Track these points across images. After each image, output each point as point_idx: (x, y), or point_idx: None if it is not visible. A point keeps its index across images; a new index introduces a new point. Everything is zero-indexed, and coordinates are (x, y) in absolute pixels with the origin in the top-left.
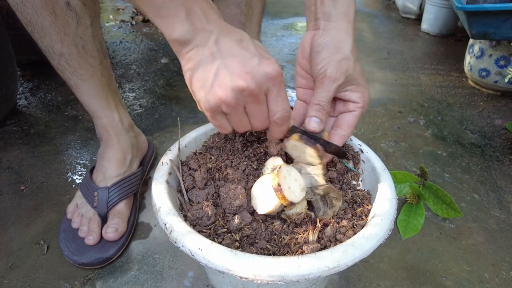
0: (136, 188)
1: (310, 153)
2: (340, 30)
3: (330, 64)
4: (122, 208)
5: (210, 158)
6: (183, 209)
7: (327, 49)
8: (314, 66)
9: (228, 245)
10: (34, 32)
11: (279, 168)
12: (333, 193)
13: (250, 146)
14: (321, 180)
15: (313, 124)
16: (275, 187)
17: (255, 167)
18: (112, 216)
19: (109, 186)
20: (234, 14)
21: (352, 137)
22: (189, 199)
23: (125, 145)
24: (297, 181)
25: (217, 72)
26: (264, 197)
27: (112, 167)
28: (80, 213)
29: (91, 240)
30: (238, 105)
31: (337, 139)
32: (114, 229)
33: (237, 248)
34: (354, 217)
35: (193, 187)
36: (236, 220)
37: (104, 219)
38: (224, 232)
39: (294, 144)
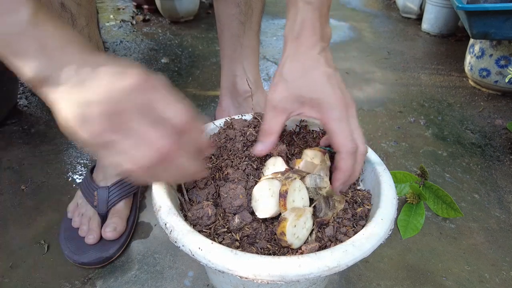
0: (136, 188)
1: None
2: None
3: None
4: (121, 208)
5: (210, 157)
6: (183, 209)
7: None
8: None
9: (228, 245)
10: None
11: (294, 179)
12: (336, 196)
13: (250, 146)
14: (326, 181)
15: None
16: (281, 192)
17: (255, 167)
18: (111, 215)
19: (109, 185)
20: (233, 13)
21: None
22: (189, 199)
23: None
24: (303, 200)
25: (86, 104)
26: (265, 201)
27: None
28: (81, 213)
29: (91, 239)
30: (105, 142)
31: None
32: (112, 228)
33: (237, 248)
34: (354, 217)
35: (194, 187)
36: (236, 220)
37: (104, 219)
38: (224, 231)
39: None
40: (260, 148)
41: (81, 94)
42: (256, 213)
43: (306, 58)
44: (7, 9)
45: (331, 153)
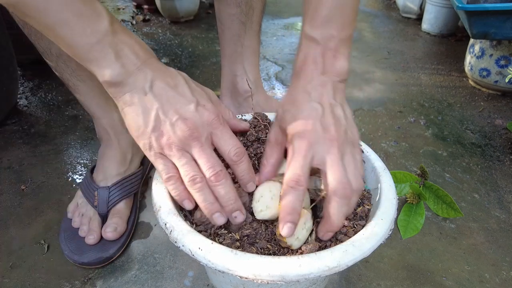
0: (137, 188)
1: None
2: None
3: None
4: (122, 208)
5: None
6: (184, 209)
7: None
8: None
9: (228, 245)
10: (31, 34)
11: (305, 213)
12: None
13: (251, 146)
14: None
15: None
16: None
17: (256, 167)
18: (111, 215)
19: (110, 185)
20: (234, 13)
21: None
22: None
23: (125, 144)
24: (304, 201)
25: (156, 118)
26: (265, 202)
27: (112, 166)
28: (81, 213)
29: (91, 239)
30: (181, 148)
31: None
32: (113, 228)
33: (237, 248)
34: (354, 217)
35: None
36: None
37: (104, 219)
38: (224, 232)
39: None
40: (257, 179)
41: (157, 107)
42: (255, 214)
43: (298, 92)
44: (90, 21)
45: None
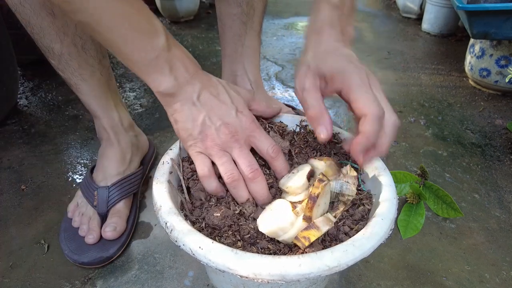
0: (137, 188)
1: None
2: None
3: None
4: (121, 207)
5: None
6: (184, 208)
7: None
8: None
9: (229, 245)
10: (33, 32)
11: (326, 183)
12: (344, 198)
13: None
14: (353, 190)
15: (319, 135)
16: (312, 195)
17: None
18: (111, 215)
19: (109, 185)
20: (235, 13)
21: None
22: (190, 200)
23: (124, 144)
24: (325, 204)
25: (203, 123)
26: (277, 214)
27: (111, 166)
28: (81, 212)
29: (91, 239)
30: (222, 149)
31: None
32: (112, 228)
33: (238, 247)
34: (354, 216)
35: (196, 185)
36: (249, 209)
37: (104, 218)
38: (229, 233)
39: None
40: (324, 136)
41: (204, 113)
42: (259, 225)
43: (327, 45)
44: (149, 38)
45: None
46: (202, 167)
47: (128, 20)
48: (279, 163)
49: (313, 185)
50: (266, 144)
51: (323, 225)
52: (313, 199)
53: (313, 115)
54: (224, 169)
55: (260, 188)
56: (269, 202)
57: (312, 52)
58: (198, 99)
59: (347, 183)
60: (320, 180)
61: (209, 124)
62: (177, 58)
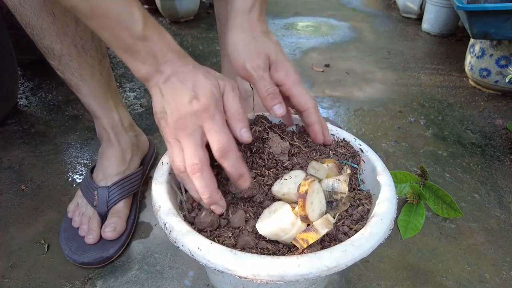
0: (137, 188)
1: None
2: (239, 25)
3: (246, 57)
4: (121, 207)
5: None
6: (183, 208)
7: (235, 45)
8: (234, 66)
9: (228, 245)
10: (33, 33)
11: (312, 180)
12: (343, 198)
13: (252, 145)
14: (344, 187)
15: (277, 110)
16: (301, 193)
17: (258, 164)
18: (111, 215)
19: (110, 185)
20: None
21: (353, 137)
22: (187, 198)
23: (125, 144)
24: (320, 203)
25: (161, 110)
26: (277, 215)
27: (111, 165)
28: (81, 212)
29: (90, 239)
30: (174, 137)
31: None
32: (112, 228)
33: (238, 248)
34: (354, 216)
35: None
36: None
37: (104, 218)
38: (229, 233)
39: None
40: (280, 111)
41: (164, 98)
42: (257, 227)
43: (261, 29)
44: (126, 27)
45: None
46: (169, 157)
47: (106, 8)
48: (227, 164)
49: (300, 184)
50: (213, 138)
51: (322, 227)
52: (302, 197)
53: (272, 91)
54: (172, 160)
55: (199, 185)
56: (216, 203)
57: (249, 32)
58: (163, 84)
59: (338, 181)
60: (306, 178)
61: (165, 110)
62: (152, 47)
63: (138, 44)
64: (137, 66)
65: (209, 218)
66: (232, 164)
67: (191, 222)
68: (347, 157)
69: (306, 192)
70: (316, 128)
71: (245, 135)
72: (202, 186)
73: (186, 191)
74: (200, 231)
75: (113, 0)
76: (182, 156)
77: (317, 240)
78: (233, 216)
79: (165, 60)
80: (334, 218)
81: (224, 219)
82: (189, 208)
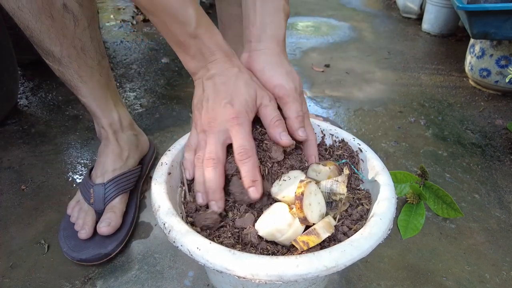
0: (133, 185)
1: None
2: (271, 50)
3: (283, 78)
4: (116, 203)
5: None
6: (183, 209)
7: (270, 64)
8: (264, 83)
9: (228, 245)
10: (32, 36)
11: (309, 182)
12: (342, 198)
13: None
14: (343, 188)
15: (301, 133)
16: (297, 195)
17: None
18: (106, 211)
19: (105, 182)
20: (236, 13)
21: (352, 137)
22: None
23: (123, 142)
24: (319, 204)
25: (198, 103)
26: (274, 215)
27: (108, 162)
28: (79, 208)
29: (83, 233)
30: (202, 131)
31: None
32: (107, 223)
33: (238, 249)
34: (353, 216)
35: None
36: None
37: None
38: (229, 233)
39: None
40: (304, 134)
41: (204, 94)
42: (257, 228)
43: (288, 63)
44: (181, 25)
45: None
46: (189, 139)
47: (164, 5)
48: (244, 168)
49: (297, 186)
50: (237, 143)
51: (324, 231)
52: (299, 199)
53: (302, 114)
54: (189, 144)
55: (208, 176)
56: (215, 201)
57: (266, 58)
58: (207, 81)
59: (336, 182)
60: (302, 180)
61: (202, 104)
62: (202, 45)
63: (189, 41)
64: (187, 60)
65: (214, 216)
66: (249, 169)
67: (192, 214)
68: (345, 158)
69: (302, 194)
70: (311, 160)
71: (284, 138)
72: (210, 179)
73: (189, 190)
74: (201, 229)
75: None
76: (204, 148)
77: None
78: (241, 218)
79: (213, 59)
80: (336, 219)
81: (225, 219)
82: (191, 201)
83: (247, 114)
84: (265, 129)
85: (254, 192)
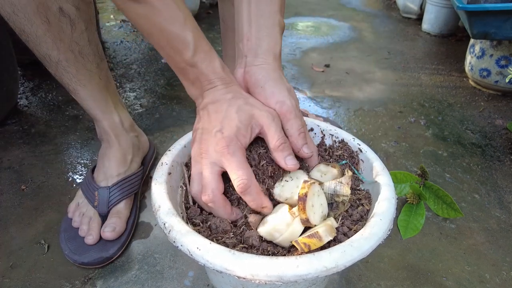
0: (137, 188)
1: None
2: (269, 65)
3: (285, 95)
4: (121, 208)
5: None
6: (183, 209)
7: (271, 81)
8: (265, 99)
9: (229, 245)
10: (29, 41)
11: (313, 183)
12: (343, 198)
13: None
14: (347, 190)
15: (306, 151)
16: (301, 196)
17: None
18: (110, 215)
19: (110, 185)
20: None
21: (352, 137)
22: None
23: (125, 145)
24: (322, 206)
25: (194, 133)
26: (274, 215)
27: (113, 166)
28: (81, 213)
29: (90, 239)
30: (196, 162)
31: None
32: (111, 228)
33: (239, 248)
34: (353, 217)
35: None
36: (251, 219)
37: (105, 219)
38: (231, 234)
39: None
40: (295, 163)
41: (200, 122)
42: (259, 229)
43: (286, 81)
44: (178, 51)
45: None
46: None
47: (162, 29)
48: (248, 199)
49: (301, 186)
50: (233, 175)
51: (326, 235)
52: (302, 200)
53: (304, 131)
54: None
55: (218, 213)
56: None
57: (265, 74)
58: (202, 110)
59: (340, 184)
60: (306, 181)
61: (195, 137)
62: (199, 73)
63: (187, 68)
64: (187, 86)
65: (227, 225)
66: (254, 198)
67: (194, 224)
68: (344, 159)
69: (305, 195)
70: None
71: (290, 163)
72: (220, 214)
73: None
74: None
75: (169, 21)
76: (199, 178)
77: None
78: (251, 219)
79: (209, 87)
80: (337, 221)
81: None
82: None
83: (239, 140)
84: (263, 149)
85: (266, 211)
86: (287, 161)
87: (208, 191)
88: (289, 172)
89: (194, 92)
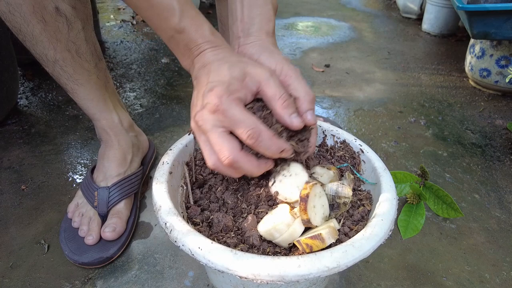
0: (137, 188)
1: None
2: (262, 41)
3: (283, 62)
4: (121, 208)
5: None
6: (184, 209)
7: (265, 52)
8: None
9: (230, 245)
10: (25, 40)
11: (314, 183)
12: (344, 199)
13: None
14: (349, 191)
15: (309, 117)
16: (302, 196)
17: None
18: (110, 215)
19: (110, 185)
20: None
21: (354, 138)
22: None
23: (125, 145)
24: (323, 207)
25: (192, 106)
26: (274, 215)
27: (112, 166)
28: (81, 213)
29: (90, 239)
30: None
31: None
32: (112, 228)
33: (236, 247)
34: (354, 217)
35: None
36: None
37: (104, 219)
38: (232, 234)
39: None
40: (300, 121)
41: (194, 92)
42: (259, 228)
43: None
44: (164, 19)
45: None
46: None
47: (150, 1)
48: (262, 147)
49: (302, 187)
50: (238, 130)
51: (329, 237)
52: (304, 200)
53: (288, 104)
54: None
55: (247, 170)
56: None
57: (259, 48)
58: (194, 80)
59: (342, 185)
60: (308, 182)
61: (192, 107)
62: (188, 40)
63: (177, 36)
64: (179, 57)
65: (229, 221)
66: (268, 145)
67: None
68: (346, 159)
69: (307, 196)
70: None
71: (295, 121)
72: (247, 170)
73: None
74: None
75: None
76: (210, 149)
77: None
78: (246, 222)
79: (199, 52)
80: (339, 222)
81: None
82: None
83: (231, 94)
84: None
85: (286, 154)
86: (292, 119)
87: (225, 153)
88: (287, 165)
89: (186, 62)
